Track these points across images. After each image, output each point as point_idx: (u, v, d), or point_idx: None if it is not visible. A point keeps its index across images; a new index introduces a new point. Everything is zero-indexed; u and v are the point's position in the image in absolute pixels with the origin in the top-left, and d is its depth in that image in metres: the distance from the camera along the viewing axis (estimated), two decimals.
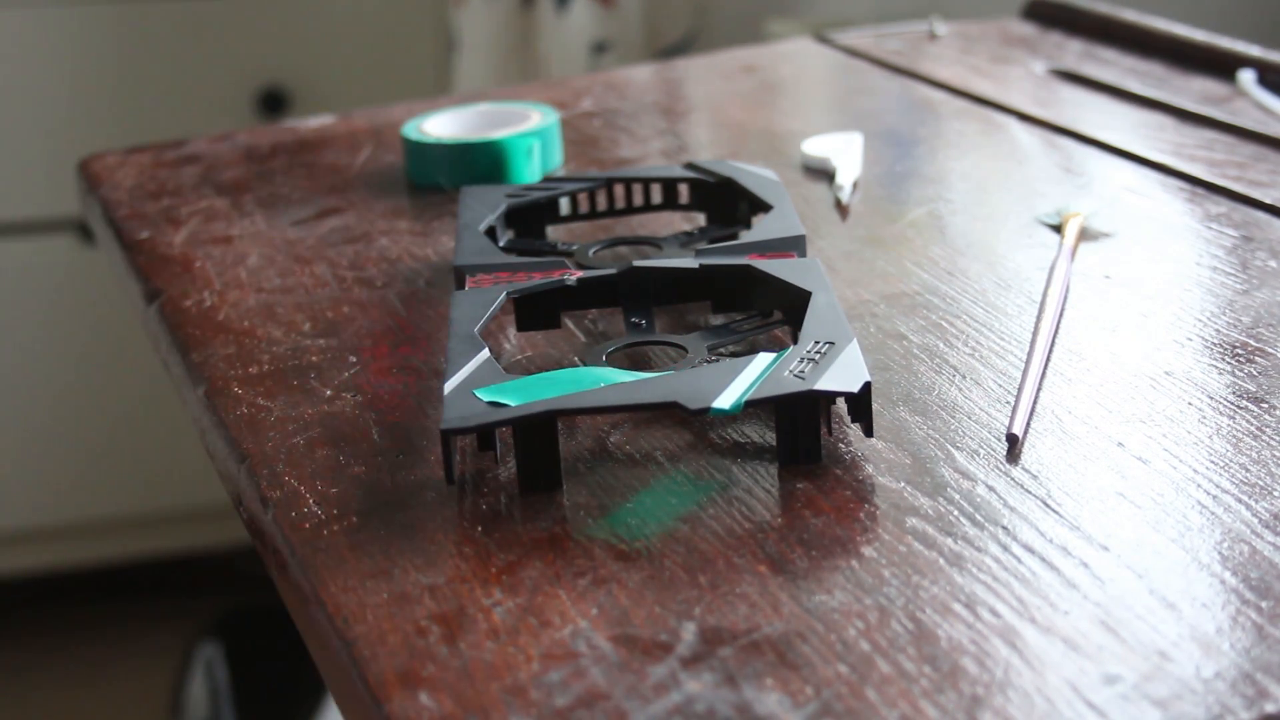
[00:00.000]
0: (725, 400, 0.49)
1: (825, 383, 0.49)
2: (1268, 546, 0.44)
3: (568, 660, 0.42)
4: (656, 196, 0.72)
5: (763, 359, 0.51)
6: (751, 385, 0.49)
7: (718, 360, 0.54)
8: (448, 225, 0.74)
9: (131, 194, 0.82)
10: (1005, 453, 0.50)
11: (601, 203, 0.72)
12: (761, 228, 0.63)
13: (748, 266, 0.59)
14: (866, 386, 0.50)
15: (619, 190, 0.72)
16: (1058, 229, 0.65)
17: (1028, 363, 0.55)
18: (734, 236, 0.66)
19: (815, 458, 0.50)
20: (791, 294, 0.57)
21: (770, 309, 0.59)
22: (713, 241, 0.65)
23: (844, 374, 0.50)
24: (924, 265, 0.65)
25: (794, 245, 0.61)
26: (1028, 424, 0.52)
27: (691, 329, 0.61)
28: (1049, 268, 0.62)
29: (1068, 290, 0.61)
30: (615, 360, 0.57)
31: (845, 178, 0.74)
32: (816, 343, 0.52)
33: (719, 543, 0.47)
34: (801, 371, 0.50)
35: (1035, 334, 0.57)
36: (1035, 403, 0.53)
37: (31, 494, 1.99)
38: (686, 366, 0.53)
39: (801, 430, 0.50)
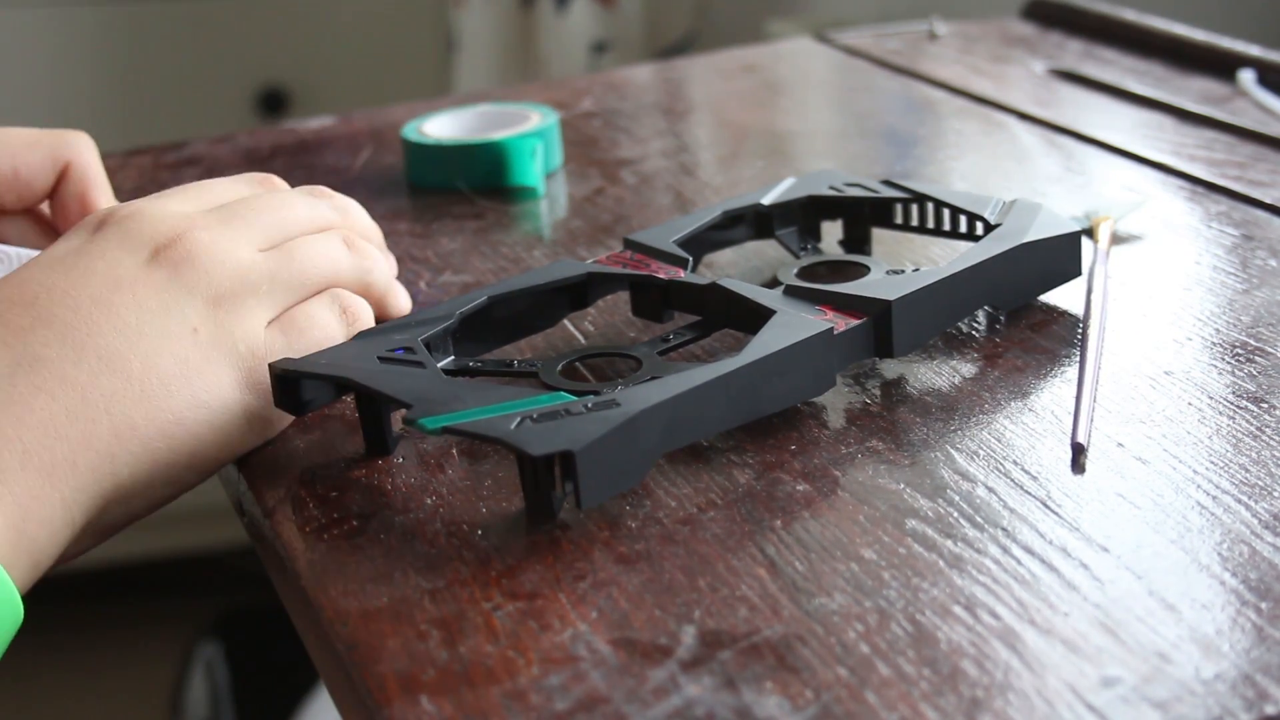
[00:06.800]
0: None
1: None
2: (1267, 547, 0.44)
3: (567, 664, 0.42)
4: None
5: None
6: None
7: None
8: (448, 227, 0.74)
9: (132, 197, 0.81)
10: (1070, 462, 0.50)
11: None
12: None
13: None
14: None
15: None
16: (1089, 233, 0.65)
17: (1082, 370, 0.55)
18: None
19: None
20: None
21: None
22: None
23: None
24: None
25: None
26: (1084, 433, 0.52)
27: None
28: (1087, 273, 0.62)
29: (1106, 295, 0.61)
30: (570, 371, 0.57)
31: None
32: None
33: (719, 545, 0.47)
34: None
35: (1084, 341, 0.57)
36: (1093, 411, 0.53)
37: None
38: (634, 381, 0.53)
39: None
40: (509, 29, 1.95)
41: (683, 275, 0.60)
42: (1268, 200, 0.70)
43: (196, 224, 0.55)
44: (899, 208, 0.65)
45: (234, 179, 0.61)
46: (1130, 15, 0.99)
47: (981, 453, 0.51)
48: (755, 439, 0.52)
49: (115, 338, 0.51)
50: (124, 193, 0.82)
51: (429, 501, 0.50)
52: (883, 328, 0.55)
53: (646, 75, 1.04)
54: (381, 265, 0.60)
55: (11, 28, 1.95)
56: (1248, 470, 0.49)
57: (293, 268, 0.56)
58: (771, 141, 0.86)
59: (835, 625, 0.42)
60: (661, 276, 0.60)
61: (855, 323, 0.55)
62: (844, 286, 0.56)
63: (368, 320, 0.58)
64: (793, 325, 0.53)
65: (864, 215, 0.66)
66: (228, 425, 0.53)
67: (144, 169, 0.86)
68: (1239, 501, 0.47)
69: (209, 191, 0.59)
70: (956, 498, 0.48)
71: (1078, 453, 0.50)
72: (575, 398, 0.49)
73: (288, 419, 0.55)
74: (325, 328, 0.56)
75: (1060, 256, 0.60)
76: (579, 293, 0.61)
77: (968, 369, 0.56)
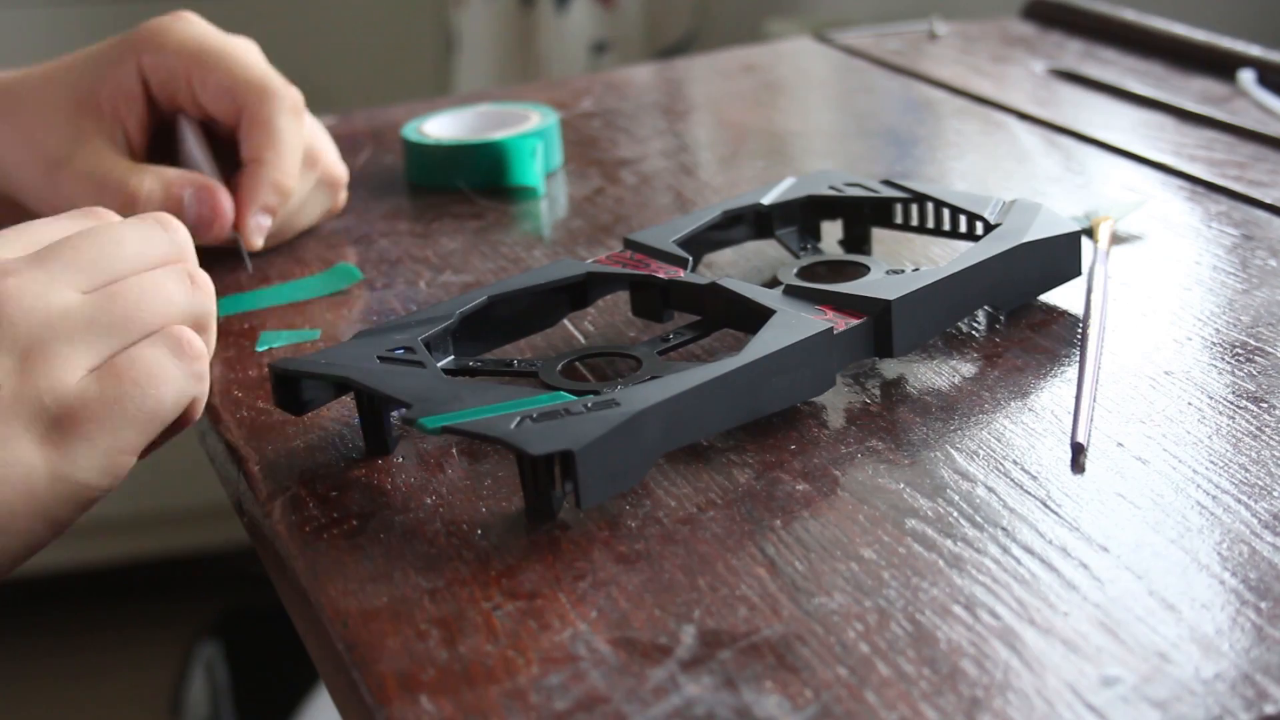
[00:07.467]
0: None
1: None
2: (1267, 547, 0.44)
3: (567, 664, 0.42)
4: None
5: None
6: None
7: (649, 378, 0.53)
8: (448, 227, 0.74)
9: None
10: (1070, 462, 0.50)
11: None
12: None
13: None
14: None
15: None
16: (1089, 233, 0.65)
17: (1082, 370, 0.55)
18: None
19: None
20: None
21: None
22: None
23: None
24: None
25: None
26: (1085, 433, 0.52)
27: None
28: (1086, 273, 0.62)
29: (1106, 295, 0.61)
30: (569, 371, 0.57)
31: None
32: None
33: (718, 545, 0.47)
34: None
35: (1084, 341, 0.57)
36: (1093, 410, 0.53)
37: None
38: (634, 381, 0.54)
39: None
40: (509, 29, 1.95)
41: (683, 275, 0.60)
42: (1268, 200, 0.70)
43: (7, 270, 0.50)
44: (899, 208, 0.65)
45: (59, 217, 0.55)
46: (1130, 15, 0.99)
47: (981, 453, 0.51)
48: (755, 439, 0.52)
49: None
50: None
51: (429, 501, 0.50)
52: (883, 327, 0.55)
53: (646, 75, 1.04)
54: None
55: (11, 28, 1.94)
56: (1247, 470, 0.49)
57: (115, 310, 0.51)
58: (771, 141, 0.86)
59: (835, 625, 0.42)
60: (661, 276, 0.60)
61: (855, 322, 0.55)
62: (844, 286, 0.56)
63: (204, 357, 0.53)
64: (792, 325, 0.53)
65: (864, 215, 0.66)
66: (37, 489, 0.49)
67: None
68: (1239, 501, 0.47)
69: (31, 233, 0.54)
70: (956, 497, 0.48)
71: (1077, 453, 0.50)
72: (575, 397, 0.49)
73: (107, 484, 0.50)
74: (151, 369, 0.51)
75: (1060, 256, 0.60)
76: (579, 292, 0.61)
77: (968, 369, 0.56)
